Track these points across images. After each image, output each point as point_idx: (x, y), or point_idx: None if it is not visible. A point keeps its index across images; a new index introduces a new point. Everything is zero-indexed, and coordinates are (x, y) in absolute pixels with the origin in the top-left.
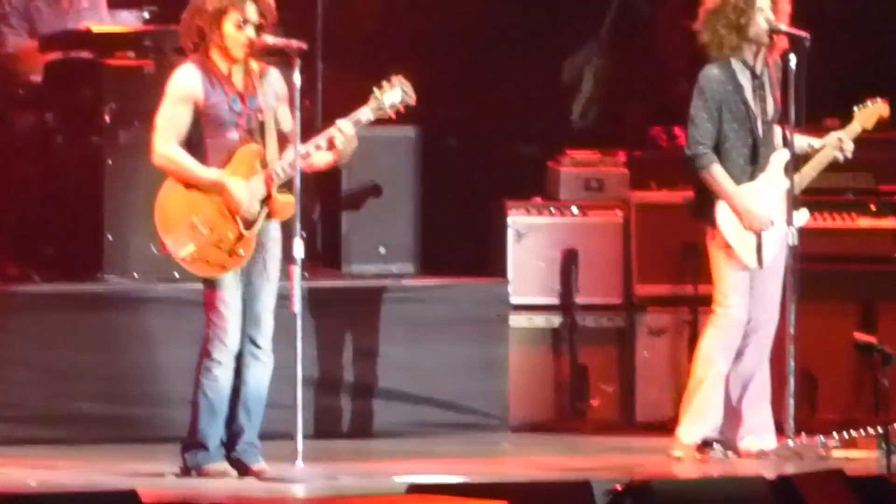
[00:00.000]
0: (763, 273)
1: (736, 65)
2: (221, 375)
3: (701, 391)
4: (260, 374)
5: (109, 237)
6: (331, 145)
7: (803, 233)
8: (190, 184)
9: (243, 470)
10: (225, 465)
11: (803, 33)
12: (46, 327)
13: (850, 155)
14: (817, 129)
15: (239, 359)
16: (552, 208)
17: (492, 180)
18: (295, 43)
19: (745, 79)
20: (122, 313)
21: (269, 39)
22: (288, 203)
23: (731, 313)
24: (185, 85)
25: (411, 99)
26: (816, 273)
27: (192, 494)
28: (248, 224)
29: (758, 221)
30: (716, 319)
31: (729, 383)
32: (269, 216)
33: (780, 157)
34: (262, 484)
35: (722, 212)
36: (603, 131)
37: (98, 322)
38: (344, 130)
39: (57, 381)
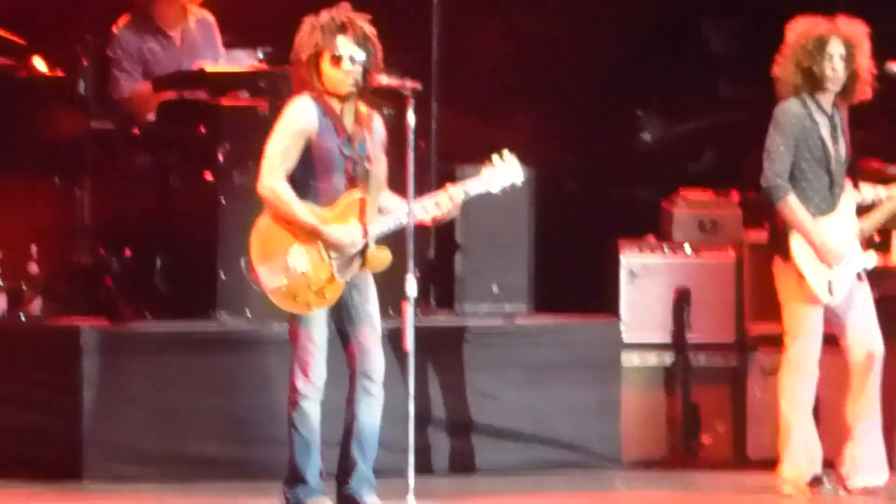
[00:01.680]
0: (851, 313)
1: (811, 103)
2: (310, 409)
3: (794, 431)
4: (372, 409)
5: (223, 276)
6: (437, 207)
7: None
8: (289, 222)
9: None
10: (325, 500)
11: None
12: (159, 367)
13: None
14: None
15: (351, 394)
16: (666, 248)
17: (606, 220)
18: (409, 83)
19: (820, 117)
20: (235, 353)
21: (384, 80)
22: (383, 257)
23: (804, 347)
24: (302, 117)
25: (519, 181)
26: None
27: None
28: (342, 270)
29: (833, 254)
30: (789, 355)
31: (841, 421)
32: (361, 266)
33: (850, 198)
34: None
35: (796, 244)
36: (717, 172)
37: (211, 362)
38: (454, 198)
39: (170, 420)
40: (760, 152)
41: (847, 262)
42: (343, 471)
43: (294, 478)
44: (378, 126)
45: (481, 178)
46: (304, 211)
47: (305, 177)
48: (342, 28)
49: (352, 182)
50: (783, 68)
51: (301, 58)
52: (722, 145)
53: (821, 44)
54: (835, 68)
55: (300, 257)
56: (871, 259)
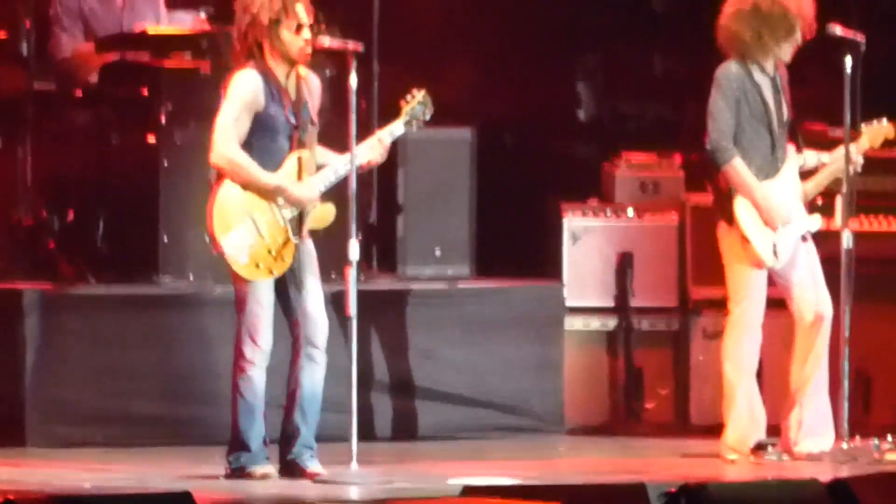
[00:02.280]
0: (797, 275)
1: (753, 65)
2: (256, 376)
3: (738, 395)
4: (316, 376)
5: (165, 238)
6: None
7: (858, 236)
8: (247, 187)
9: (299, 472)
10: (268, 468)
11: (858, 36)
12: (101, 328)
13: (859, 168)
14: None
15: (295, 360)
16: (608, 211)
17: (548, 182)
18: (351, 44)
19: (761, 78)
20: (176, 314)
21: (326, 41)
22: (329, 211)
23: (748, 310)
24: (249, 91)
25: (430, 113)
26: (871, 276)
27: (246, 497)
28: (296, 231)
29: (777, 216)
30: (733, 318)
31: (787, 385)
32: (305, 223)
33: (793, 161)
34: (316, 486)
35: (740, 207)
36: (659, 134)
37: (153, 323)
38: (383, 141)
39: (112, 382)
40: (701, 114)
41: (791, 225)
42: (285, 437)
43: (237, 444)
44: (315, 87)
45: (402, 118)
46: (263, 173)
47: (252, 143)
48: None
49: (296, 145)
50: (738, 28)
51: (262, 21)
52: (663, 107)
53: (789, 27)
54: (792, 49)
55: (259, 224)
56: (816, 222)
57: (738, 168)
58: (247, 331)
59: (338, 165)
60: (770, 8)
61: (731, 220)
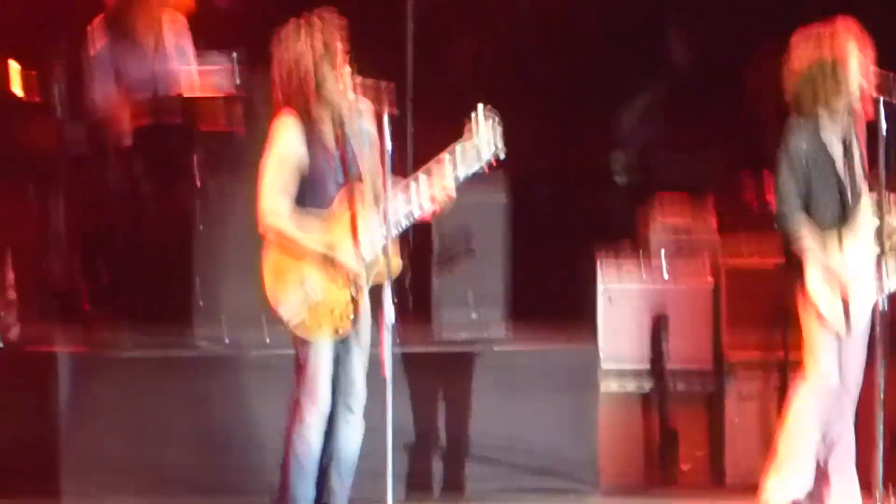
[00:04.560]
0: (851, 338)
1: (824, 121)
2: (314, 439)
3: (793, 456)
4: (354, 440)
5: (200, 302)
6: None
7: (893, 297)
8: (298, 255)
9: None
10: None
11: (893, 96)
12: (136, 390)
13: None
14: None
15: (331, 423)
16: (643, 273)
17: (583, 241)
18: (386, 106)
19: (833, 137)
20: (212, 378)
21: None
22: (395, 265)
23: (824, 377)
24: (290, 147)
25: (502, 152)
26: None
27: None
28: (359, 288)
29: (849, 288)
30: (808, 384)
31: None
32: (376, 277)
33: (869, 223)
34: None
35: (812, 277)
36: (690, 180)
37: (188, 385)
38: (443, 178)
39: (147, 445)
40: (729, 157)
41: (864, 290)
42: (321, 499)
43: None
44: (366, 110)
45: (461, 157)
46: (310, 240)
47: (300, 196)
48: (341, 34)
49: (347, 183)
50: (811, 87)
51: (306, 63)
52: (698, 162)
53: (843, 69)
54: (851, 88)
55: (315, 286)
56: (893, 282)
57: (807, 247)
58: (307, 395)
59: (401, 216)
60: (801, 67)
61: (804, 287)
